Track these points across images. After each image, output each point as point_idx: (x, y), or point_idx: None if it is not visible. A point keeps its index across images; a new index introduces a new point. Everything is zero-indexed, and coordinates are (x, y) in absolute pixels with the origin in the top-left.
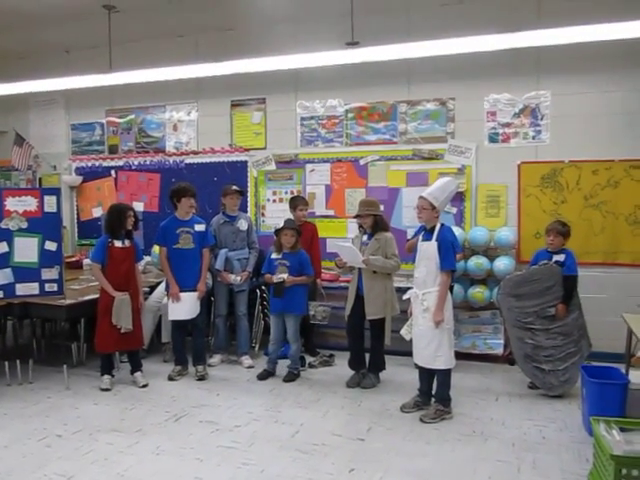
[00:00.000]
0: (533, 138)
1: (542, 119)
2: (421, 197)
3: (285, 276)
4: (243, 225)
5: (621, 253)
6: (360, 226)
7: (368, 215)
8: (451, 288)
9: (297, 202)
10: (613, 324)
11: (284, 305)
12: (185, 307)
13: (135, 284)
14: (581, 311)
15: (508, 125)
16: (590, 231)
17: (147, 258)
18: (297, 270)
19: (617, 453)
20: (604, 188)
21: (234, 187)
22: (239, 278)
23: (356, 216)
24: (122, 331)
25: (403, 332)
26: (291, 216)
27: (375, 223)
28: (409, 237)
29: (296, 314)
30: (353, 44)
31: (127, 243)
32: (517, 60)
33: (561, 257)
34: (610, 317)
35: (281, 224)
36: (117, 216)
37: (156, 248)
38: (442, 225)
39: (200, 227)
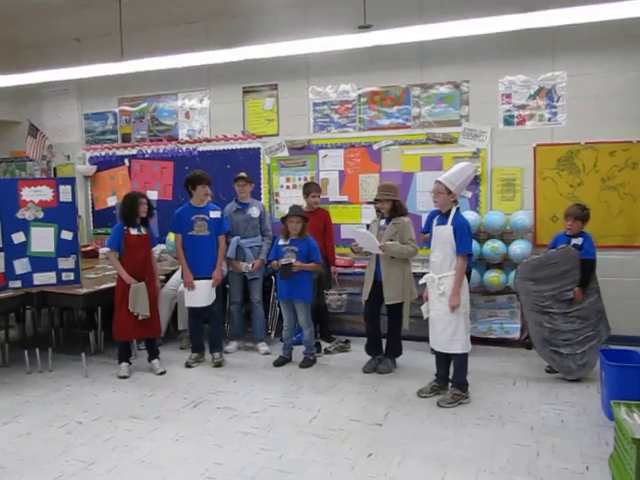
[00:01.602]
0: (549, 120)
1: (558, 100)
2: (437, 181)
3: (293, 260)
4: (255, 212)
5: (639, 236)
6: (378, 210)
7: (387, 200)
8: (468, 273)
9: (310, 189)
10: (631, 307)
11: (290, 292)
12: (201, 294)
13: (151, 271)
14: (599, 295)
15: (523, 107)
16: (608, 213)
17: (162, 246)
18: (305, 256)
19: (639, 437)
20: (622, 170)
21: (240, 174)
22: (250, 266)
23: (374, 201)
24: (139, 318)
25: (423, 308)
26: (304, 203)
27: (393, 208)
28: (423, 227)
29: (302, 301)
30: (365, 27)
31: (143, 231)
32: (532, 41)
33: (579, 240)
34: (628, 300)
35: (289, 211)
36: (130, 204)
37: (171, 236)
38: (458, 210)
39: (215, 214)
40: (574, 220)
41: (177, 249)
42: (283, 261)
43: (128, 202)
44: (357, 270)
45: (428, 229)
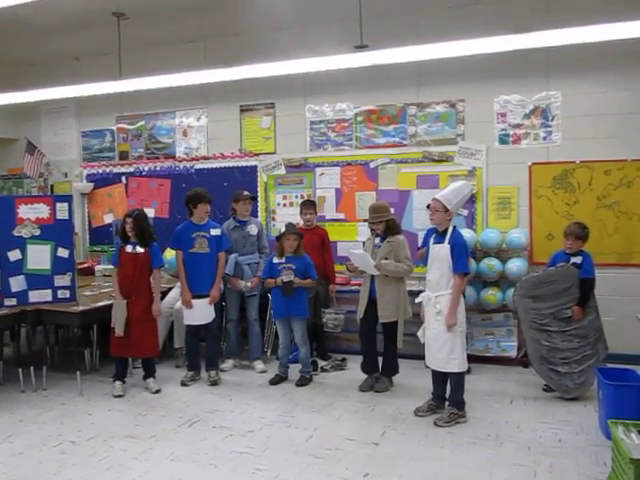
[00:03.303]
0: (544, 139)
1: (553, 120)
2: (434, 199)
3: (293, 276)
4: (253, 230)
5: (635, 254)
6: (372, 229)
7: (380, 222)
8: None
9: (302, 206)
10: (628, 325)
11: (288, 309)
12: (199, 312)
13: (144, 291)
14: (598, 313)
15: (518, 126)
16: (604, 232)
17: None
18: (302, 274)
19: (637, 457)
20: (617, 188)
21: (246, 193)
22: (249, 284)
23: (368, 222)
24: (116, 335)
25: (419, 333)
26: (301, 220)
27: (387, 227)
28: (419, 244)
29: (300, 318)
30: (362, 47)
31: (138, 249)
32: (527, 61)
33: (578, 259)
34: (625, 318)
35: (284, 229)
36: (122, 222)
37: (167, 253)
38: (454, 228)
39: (216, 231)
40: (575, 239)
41: (178, 266)
42: (285, 278)
43: (121, 221)
44: (354, 288)
45: (424, 245)
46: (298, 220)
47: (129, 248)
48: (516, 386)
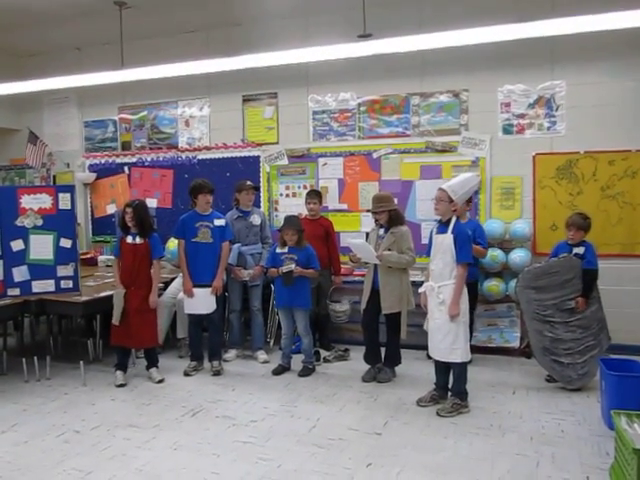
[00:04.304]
0: (548, 129)
1: (557, 109)
2: (440, 189)
3: (293, 266)
4: (256, 220)
5: (639, 244)
6: (376, 220)
7: (382, 211)
8: (475, 283)
9: (307, 196)
10: (632, 316)
11: (290, 299)
12: (200, 302)
13: (143, 282)
14: (600, 304)
15: (522, 116)
16: (607, 222)
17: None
18: (304, 264)
19: None
20: (621, 179)
21: (249, 183)
22: (252, 272)
23: (371, 212)
24: (113, 324)
25: (425, 326)
26: (305, 210)
27: (390, 217)
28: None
29: (303, 308)
30: (365, 36)
31: (138, 240)
32: (531, 50)
33: (581, 250)
34: (629, 309)
35: (284, 222)
36: (122, 213)
37: (170, 243)
38: (458, 219)
39: (220, 222)
40: (577, 230)
41: (179, 255)
42: (284, 269)
43: (121, 211)
44: (357, 278)
45: None
46: (303, 210)
47: (129, 239)
48: (519, 377)
